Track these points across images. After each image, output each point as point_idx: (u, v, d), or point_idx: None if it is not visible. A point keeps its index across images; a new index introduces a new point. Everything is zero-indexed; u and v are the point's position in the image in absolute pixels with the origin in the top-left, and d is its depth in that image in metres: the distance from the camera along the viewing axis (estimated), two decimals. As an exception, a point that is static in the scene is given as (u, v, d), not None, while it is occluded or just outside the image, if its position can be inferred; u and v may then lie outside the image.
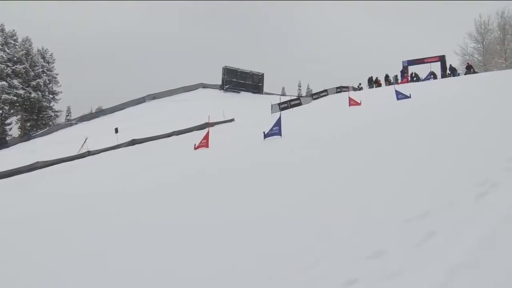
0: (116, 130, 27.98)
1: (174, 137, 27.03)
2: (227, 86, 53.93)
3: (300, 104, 35.55)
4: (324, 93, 40.07)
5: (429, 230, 2.94)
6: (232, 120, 32.18)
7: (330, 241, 3.23)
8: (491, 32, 48.64)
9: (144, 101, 48.44)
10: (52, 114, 57.50)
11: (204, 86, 54.31)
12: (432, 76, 32.97)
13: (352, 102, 20.65)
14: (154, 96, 49.34)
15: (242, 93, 53.90)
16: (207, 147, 14.54)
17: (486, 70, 43.01)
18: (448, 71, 34.35)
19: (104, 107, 47.88)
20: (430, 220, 3.13)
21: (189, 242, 3.98)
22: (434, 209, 3.32)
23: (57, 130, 44.24)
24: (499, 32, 47.73)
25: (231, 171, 7.89)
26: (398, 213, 3.43)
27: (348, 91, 31.07)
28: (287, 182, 5.62)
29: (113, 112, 46.06)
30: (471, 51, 49.83)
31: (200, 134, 18.94)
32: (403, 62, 38.34)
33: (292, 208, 4.35)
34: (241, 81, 55.05)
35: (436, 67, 35.31)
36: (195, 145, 14.92)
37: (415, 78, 35.14)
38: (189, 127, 28.98)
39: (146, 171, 10.83)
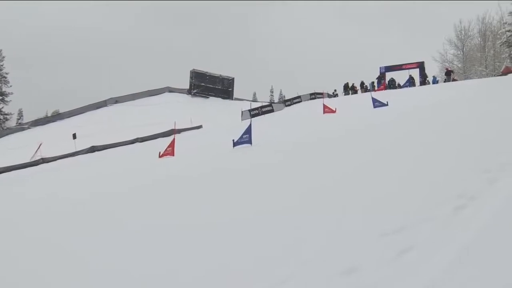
0: (74, 136, 27.34)
1: (137, 144, 26.68)
2: (195, 91, 53.71)
3: (272, 111, 35.75)
4: (297, 99, 40.41)
5: (405, 244, 2.95)
6: (200, 127, 32.08)
7: (303, 255, 3.20)
8: (471, 38, 49.99)
9: (106, 105, 47.51)
10: (1, 117, 55.58)
11: (171, 90, 53.88)
12: (410, 83, 33.71)
13: (326, 110, 20.92)
14: (116, 100, 48.48)
15: (211, 98, 53.80)
16: (173, 155, 14.38)
17: (466, 78, 44.35)
18: (420, 78, 35.08)
19: (61, 111, 46.51)
20: (407, 234, 3.14)
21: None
22: (411, 222, 3.35)
23: (7, 134, 42.67)
24: (479, 39, 49.00)
25: (193, 179, 7.81)
26: (374, 226, 3.43)
27: (323, 98, 31.46)
28: (256, 192, 5.58)
29: (71, 116, 44.89)
30: (451, 57, 51.16)
31: (165, 142, 18.73)
32: (380, 68, 39.09)
33: (261, 219, 4.30)
34: (210, 85, 54.94)
35: (415, 74, 36.08)
36: (159, 153, 14.74)
37: (391, 86, 35.89)
38: (153, 133, 28.68)
39: (101, 179, 10.58)
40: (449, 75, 35.09)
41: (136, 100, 48.91)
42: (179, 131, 27.65)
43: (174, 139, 15.31)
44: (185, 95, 53.32)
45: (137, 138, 27.79)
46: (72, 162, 20.85)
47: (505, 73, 30.23)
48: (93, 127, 35.23)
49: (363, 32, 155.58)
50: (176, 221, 4.88)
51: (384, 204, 4.01)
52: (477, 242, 2.74)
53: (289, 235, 3.69)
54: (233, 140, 12.58)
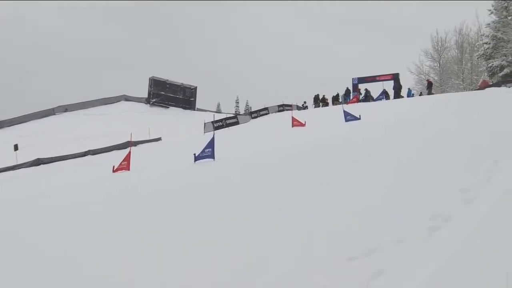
0: (16, 147, 26.51)
1: (89, 157, 26.14)
2: (154, 100, 53.22)
3: (237, 123, 35.76)
4: (264, 111, 40.61)
5: (376, 268, 2.97)
6: (158, 139, 31.75)
7: (267, 282, 3.17)
8: (448, 50, 51.45)
9: (54, 114, 46.32)
10: None
11: (127, 99, 53.22)
12: (384, 95, 34.32)
13: (295, 123, 21.06)
14: (66, 108, 47.39)
15: (171, 108, 53.45)
16: (128, 169, 14.13)
17: (442, 91, 45.65)
18: (394, 90, 35.73)
19: (0, 119, 44.80)
20: (378, 257, 3.17)
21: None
22: (382, 245, 3.38)
23: None
24: (456, 51, 50.45)
25: (148, 196, 7.69)
26: (342, 250, 3.45)
27: (292, 110, 31.75)
28: (216, 210, 5.53)
29: (12, 125, 43.26)
30: (427, 69, 52.53)
31: (120, 155, 18.40)
32: (353, 79, 39.72)
33: (220, 241, 4.25)
34: (170, 94, 54.60)
35: (389, 86, 36.78)
36: (113, 167, 14.46)
37: (363, 97, 36.52)
38: (107, 146, 28.20)
39: (45, 196, 10.25)
40: (430, 87, 36.11)
41: (88, 109, 47.99)
42: (136, 143, 27.29)
43: (129, 152, 15.05)
44: (143, 104, 52.77)
45: (89, 151, 27.23)
46: (12, 176, 20.16)
47: (482, 87, 31.38)
48: (38, 138, 34.28)
49: (335, 41, 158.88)
50: (112, 246, 4.76)
51: (352, 225, 4.04)
52: (450, 267, 2.79)
53: (253, 260, 3.65)
54: (194, 154, 12.47)
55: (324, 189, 5.75)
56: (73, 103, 48.77)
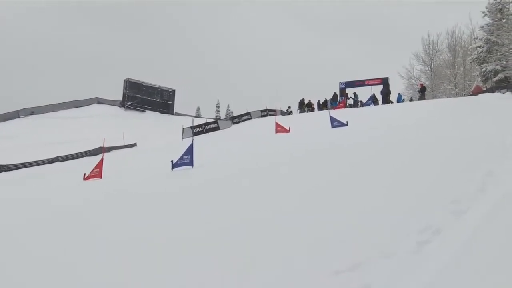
0: (-24, 153, 25.98)
1: (57, 163, 25.81)
2: (129, 103, 52.89)
3: (217, 128, 35.71)
4: (247, 116, 40.62)
5: (362, 283, 2.99)
6: (133, 145, 31.53)
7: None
8: (440, 53, 51.91)
9: (18, 117, 45.52)
10: None
11: (100, 101, 52.73)
12: (373, 101, 34.59)
13: (279, 129, 21.13)
14: (32, 111, 46.62)
15: (148, 112, 53.14)
16: (100, 177, 14.04)
17: (434, 97, 46.08)
18: (381, 95, 35.93)
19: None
20: (364, 272, 3.19)
21: None
22: (369, 259, 3.41)
23: None
24: (448, 54, 50.94)
25: (120, 205, 7.63)
26: (327, 263, 3.46)
27: (276, 115, 31.81)
28: (187, 223, 5.52)
29: (-30, 128, 42.59)
30: (418, 74, 52.97)
31: (92, 161, 18.23)
32: (340, 83, 39.97)
33: (201, 254, 4.24)
34: (146, 97, 54.32)
35: (378, 90, 37.00)
36: (84, 174, 14.34)
37: (351, 102, 36.76)
38: (78, 152, 27.89)
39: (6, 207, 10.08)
40: (422, 92, 36.40)
41: (57, 112, 47.29)
42: (109, 149, 27.07)
43: (102, 158, 14.96)
44: (117, 107, 52.37)
45: (58, 157, 26.86)
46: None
47: (475, 93, 31.83)
48: (0, 143, 33.68)
49: (323, 43, 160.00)
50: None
51: (338, 238, 4.06)
52: (438, 283, 2.82)
53: (232, 276, 3.65)
54: (172, 161, 12.44)
55: (308, 200, 5.76)
56: (40, 105, 48.03)
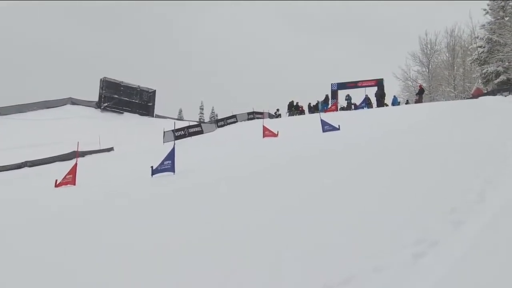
0: None
1: (26, 169, 25.61)
2: (105, 104, 52.66)
3: (201, 132, 35.63)
4: (232, 119, 40.62)
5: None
6: (110, 149, 31.37)
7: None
8: (438, 53, 52.22)
9: (-18, 117, 45.06)
10: None
11: (74, 102, 52.36)
12: (366, 103, 34.66)
13: (267, 133, 21.16)
14: (-2, 111, 46.16)
15: (126, 114, 52.98)
16: (74, 184, 13.96)
17: (431, 99, 46.30)
18: (375, 97, 35.93)
19: None
20: (356, 287, 3.21)
21: None
22: (361, 272, 3.42)
23: None
24: (447, 54, 51.23)
25: (94, 215, 7.59)
26: (317, 277, 3.47)
27: (263, 118, 31.85)
28: (168, 232, 5.51)
29: None
30: (415, 75, 53.23)
31: (64, 167, 18.08)
32: (332, 85, 40.15)
33: (177, 271, 4.24)
34: (125, 98, 54.14)
35: (373, 92, 37.04)
36: (56, 181, 14.24)
37: (344, 106, 36.90)
38: (49, 156, 27.68)
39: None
40: (420, 94, 36.55)
41: (27, 113, 46.79)
42: (83, 154, 26.89)
43: (76, 164, 14.87)
44: (93, 109, 52.11)
45: (26, 162, 26.65)
46: None
47: (475, 95, 32.14)
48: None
49: (314, 43, 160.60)
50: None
51: (329, 249, 4.07)
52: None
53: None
54: (152, 167, 12.41)
55: (297, 209, 5.78)
56: (7, 105, 47.33)
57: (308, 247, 4.23)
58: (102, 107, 52.50)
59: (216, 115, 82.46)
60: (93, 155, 28.77)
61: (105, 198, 9.74)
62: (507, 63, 36.17)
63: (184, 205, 7.45)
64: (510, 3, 38.08)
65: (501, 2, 38.44)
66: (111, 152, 30.80)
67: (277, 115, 41.50)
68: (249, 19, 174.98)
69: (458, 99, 42.69)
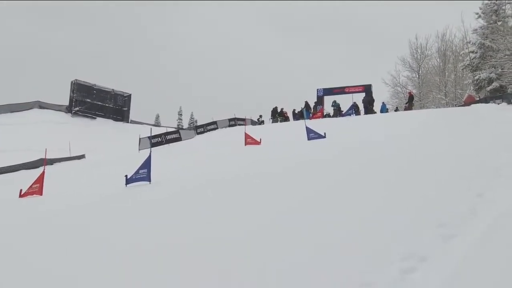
0: None
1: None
2: (77, 109, 52.24)
3: (179, 139, 35.65)
4: (212, 125, 40.74)
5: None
6: (82, 156, 31.19)
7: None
8: (429, 58, 53.02)
9: None
10: None
11: (42, 106, 51.86)
12: (354, 110, 34.83)
13: (249, 140, 21.20)
14: (-48, 116, 45.42)
15: (99, 119, 52.67)
16: (40, 194, 13.79)
17: (422, 107, 46.68)
18: (363, 104, 36.03)
19: None
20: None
21: None
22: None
23: None
24: (438, 60, 51.87)
25: (61, 228, 7.49)
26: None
27: (245, 125, 31.89)
28: (143, 246, 5.47)
29: None
30: (404, 81, 53.77)
31: (31, 176, 17.88)
32: (317, 90, 40.35)
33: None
34: (98, 102, 53.82)
35: (360, 99, 37.20)
36: (21, 191, 14.07)
37: (329, 113, 37.07)
38: (14, 164, 27.38)
39: None
40: (410, 101, 36.82)
41: (-10, 117, 46.38)
42: (52, 161, 26.67)
43: (43, 172, 14.69)
44: (63, 113, 51.68)
45: (-12, 170, 26.39)
46: None
47: (467, 103, 32.49)
48: None
49: (299, 46, 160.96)
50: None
51: (313, 265, 4.08)
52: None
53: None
54: (126, 176, 12.33)
55: (279, 224, 5.76)
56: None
57: (287, 265, 4.22)
58: (73, 111, 52.09)
59: (196, 121, 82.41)
60: (63, 163, 28.58)
61: (72, 210, 9.62)
62: (500, 70, 36.48)
63: (159, 217, 7.39)
64: (503, 7, 38.58)
65: (494, 5, 38.92)
66: (82, 160, 30.64)
67: (260, 122, 41.59)
68: (230, 23, 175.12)
69: (449, 106, 43.09)
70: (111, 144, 35.60)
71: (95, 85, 54.49)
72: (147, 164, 12.35)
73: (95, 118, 52.79)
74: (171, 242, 5.56)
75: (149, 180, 12.10)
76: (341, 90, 39.47)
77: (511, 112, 20.42)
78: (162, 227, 6.50)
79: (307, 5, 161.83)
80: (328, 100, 39.32)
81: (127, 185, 12.16)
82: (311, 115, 36.12)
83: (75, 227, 7.51)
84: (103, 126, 49.27)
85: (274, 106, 40.38)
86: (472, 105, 29.10)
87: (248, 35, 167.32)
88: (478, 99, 34.51)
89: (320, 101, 39.71)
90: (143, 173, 12.33)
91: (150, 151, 13.21)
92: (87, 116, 52.40)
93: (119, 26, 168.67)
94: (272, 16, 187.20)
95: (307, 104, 38.61)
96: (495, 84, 36.56)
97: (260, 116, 42.76)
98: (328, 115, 37.00)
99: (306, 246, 4.66)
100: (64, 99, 53.40)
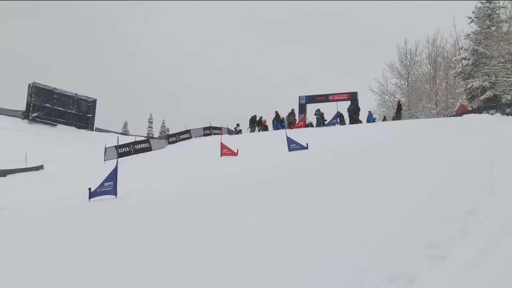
0: None
1: None
2: (35, 114, 51.61)
3: (149, 148, 35.53)
4: (186, 134, 40.66)
5: None
6: (40, 167, 30.84)
7: None
8: (419, 65, 53.36)
9: None
10: None
11: (-6, 111, 51.14)
12: (338, 119, 34.94)
13: (225, 151, 21.23)
14: None
15: (60, 126, 52.16)
16: (-7, 210, 13.62)
17: (411, 116, 46.99)
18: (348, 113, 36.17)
19: None
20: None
21: None
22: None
23: None
24: (429, 66, 52.35)
25: (16, 251, 7.43)
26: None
27: (221, 134, 31.89)
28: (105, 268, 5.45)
29: None
30: (392, 88, 54.09)
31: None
32: (299, 98, 40.52)
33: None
34: (59, 108, 53.29)
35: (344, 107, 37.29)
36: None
37: (311, 122, 37.21)
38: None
39: None
40: (399, 110, 37.05)
41: None
42: (5, 173, 26.40)
43: (-4, 185, 14.58)
44: (19, 119, 50.91)
45: None
46: None
47: (459, 113, 32.89)
48: None
49: (279, 50, 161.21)
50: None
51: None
52: None
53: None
54: (90, 189, 12.25)
55: (254, 243, 5.79)
56: None
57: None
58: (30, 117, 51.41)
59: (167, 130, 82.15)
60: (18, 174, 28.20)
61: (28, 228, 9.52)
62: (494, 78, 36.86)
63: (124, 235, 7.36)
64: (497, 11, 39.07)
65: (487, 10, 39.31)
66: (40, 171, 30.28)
67: (237, 131, 41.61)
68: (206, 23, 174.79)
69: (440, 116, 43.45)
70: (73, 154, 35.31)
71: (56, 88, 53.91)
72: (113, 176, 12.29)
73: (56, 125, 52.22)
74: (124, 258, 5.54)
75: (115, 194, 12.03)
76: (324, 98, 39.67)
77: (506, 123, 20.69)
78: (119, 245, 6.49)
79: (287, 6, 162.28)
80: (311, 108, 39.51)
81: (91, 199, 12.07)
82: (280, 126, 36.19)
83: (22, 251, 7.42)
84: (65, 134, 48.78)
85: (252, 115, 40.47)
86: (465, 115, 29.44)
87: (226, 38, 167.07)
88: (470, 109, 34.80)
89: (302, 110, 39.86)
90: (109, 186, 12.25)
91: (117, 162, 13.16)
92: (47, 123, 51.80)
93: (85, 24, 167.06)
94: (252, 17, 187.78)
95: (277, 115, 38.69)
96: (488, 93, 36.82)
97: (238, 125, 42.78)
98: (310, 125, 37.12)
99: (283, 271, 4.68)
100: (20, 104, 52.74)
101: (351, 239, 5.33)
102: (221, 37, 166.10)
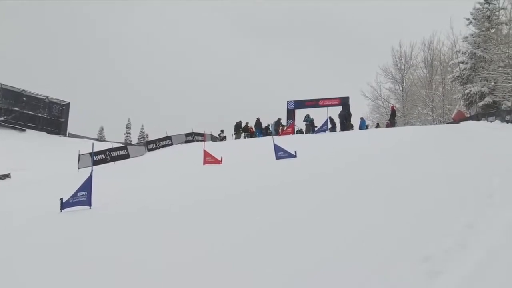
0: None
1: None
2: (1, 118, 51.14)
3: (127, 156, 35.45)
4: (166, 141, 40.64)
5: None
6: (6, 176, 30.66)
7: None
8: (414, 68, 53.63)
9: None
10: None
11: (-44, 115, 50.64)
12: (329, 126, 34.92)
13: (208, 159, 21.26)
14: None
15: (30, 131, 51.70)
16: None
17: (406, 123, 47.08)
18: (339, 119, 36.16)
19: None
20: None
21: None
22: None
23: None
24: (424, 70, 52.55)
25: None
26: None
27: (204, 141, 31.87)
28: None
29: None
30: (386, 93, 54.18)
31: None
32: (288, 103, 40.52)
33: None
34: (28, 111, 52.84)
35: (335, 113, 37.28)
36: None
37: (301, 128, 37.28)
38: None
39: None
40: (393, 116, 37.12)
41: None
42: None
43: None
44: (-16, 124, 50.65)
45: None
46: None
47: (457, 120, 33.10)
48: None
49: (266, 53, 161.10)
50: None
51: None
52: None
53: None
54: (62, 200, 12.17)
55: (239, 256, 5.81)
56: None
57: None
58: (-4, 121, 51.09)
59: (147, 136, 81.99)
60: (-18, 183, 28.06)
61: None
62: (493, 83, 36.96)
63: (99, 251, 7.33)
64: (497, 13, 39.26)
65: (486, 11, 39.41)
66: (7, 180, 30.11)
67: (222, 138, 41.64)
68: (189, 21, 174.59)
69: (436, 123, 43.59)
70: (44, 161, 35.07)
71: (25, 91, 53.39)
72: (87, 185, 12.22)
73: (25, 130, 51.71)
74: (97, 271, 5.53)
75: (89, 205, 11.97)
76: (314, 103, 39.61)
77: (505, 131, 20.85)
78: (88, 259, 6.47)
79: (276, 7, 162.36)
80: (300, 114, 39.49)
81: (62, 210, 11.99)
82: (261, 134, 36.26)
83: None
84: (35, 139, 48.32)
85: (238, 120, 40.49)
86: (462, 122, 29.61)
87: (211, 39, 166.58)
88: (468, 115, 34.99)
89: (290, 115, 39.87)
90: (82, 196, 12.18)
91: (92, 170, 13.09)
92: (15, 128, 51.26)
93: (59, 23, 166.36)
94: (240, 19, 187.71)
95: (258, 122, 38.74)
96: (487, 100, 36.81)
97: (222, 131, 42.85)
98: (300, 131, 37.18)
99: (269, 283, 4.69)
100: (-15, 107, 52.36)
101: (344, 251, 5.35)
102: (206, 38, 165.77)
